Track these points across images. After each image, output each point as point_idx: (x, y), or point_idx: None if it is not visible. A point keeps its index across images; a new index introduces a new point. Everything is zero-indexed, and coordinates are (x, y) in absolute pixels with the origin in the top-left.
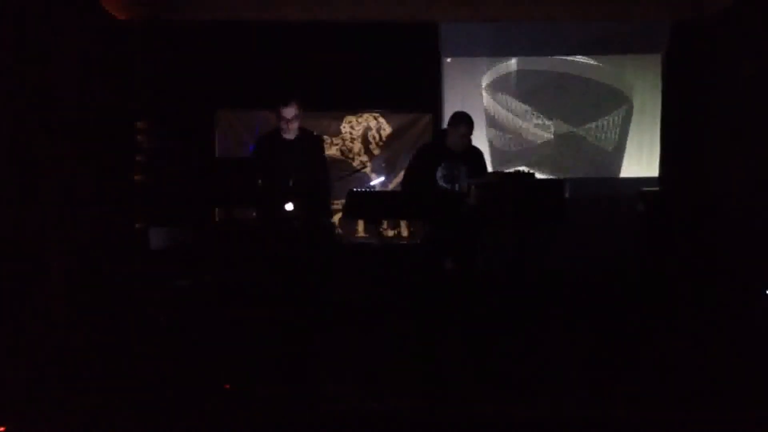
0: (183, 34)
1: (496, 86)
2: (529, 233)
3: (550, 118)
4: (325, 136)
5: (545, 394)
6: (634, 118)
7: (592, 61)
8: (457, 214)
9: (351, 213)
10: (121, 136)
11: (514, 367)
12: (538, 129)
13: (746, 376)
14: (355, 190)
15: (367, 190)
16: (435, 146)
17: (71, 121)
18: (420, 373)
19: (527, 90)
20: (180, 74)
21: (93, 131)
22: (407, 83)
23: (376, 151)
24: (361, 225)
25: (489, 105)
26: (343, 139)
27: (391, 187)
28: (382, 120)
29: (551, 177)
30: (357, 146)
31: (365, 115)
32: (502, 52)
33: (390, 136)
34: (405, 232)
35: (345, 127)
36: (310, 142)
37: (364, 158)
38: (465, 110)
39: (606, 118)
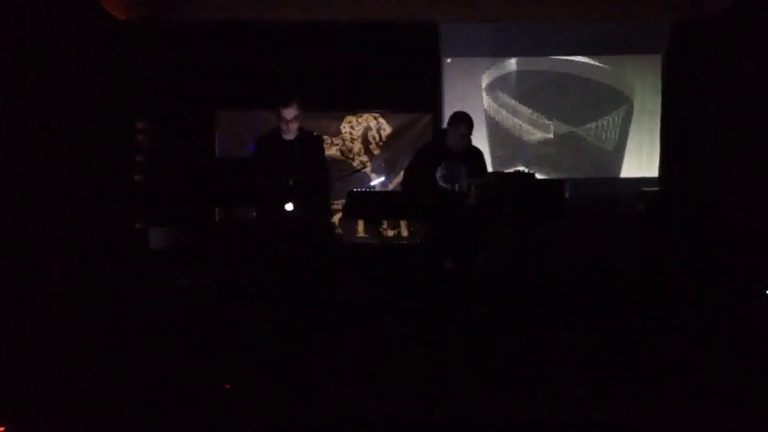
0: (183, 34)
1: (496, 86)
2: (529, 233)
3: (550, 119)
4: (325, 136)
5: (545, 394)
6: (634, 118)
7: (592, 61)
8: (457, 214)
9: (351, 213)
10: (121, 136)
11: (514, 367)
12: (538, 129)
13: (746, 376)
14: (355, 190)
15: (367, 190)
16: (435, 146)
17: (71, 121)
18: (420, 373)
19: (527, 90)
20: (180, 74)
21: (93, 131)
22: (407, 83)
23: (376, 151)
24: (361, 225)
25: (489, 105)
26: (343, 139)
27: (391, 187)
28: (382, 120)
29: (551, 177)
30: (357, 146)
31: (365, 115)
32: (502, 52)
33: (390, 136)
34: (405, 232)
35: (345, 127)
36: (310, 143)
37: (364, 158)
38: (465, 110)
39: (606, 118)
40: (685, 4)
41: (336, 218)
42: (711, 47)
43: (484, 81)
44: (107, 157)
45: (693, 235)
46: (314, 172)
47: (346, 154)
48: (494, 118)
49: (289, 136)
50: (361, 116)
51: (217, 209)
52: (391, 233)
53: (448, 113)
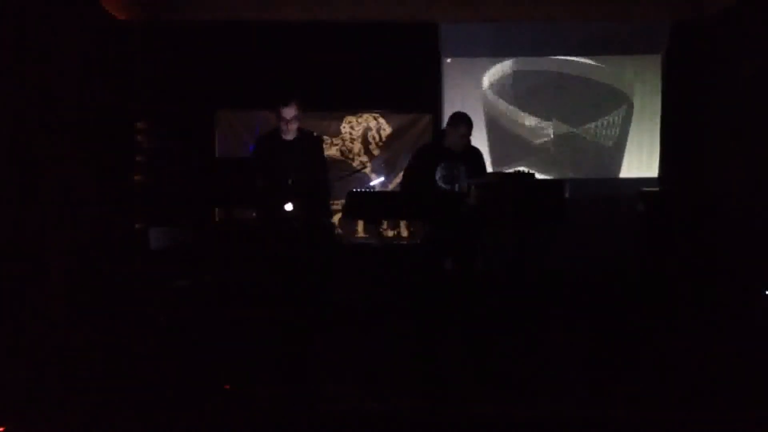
0: (183, 34)
1: (496, 86)
2: (529, 233)
3: (549, 119)
4: (325, 137)
5: (545, 394)
6: (634, 118)
7: (591, 61)
8: (456, 215)
9: (351, 213)
10: (121, 136)
11: (514, 367)
12: (538, 129)
13: (746, 376)
14: (354, 190)
15: (367, 190)
16: (434, 146)
17: (71, 121)
18: (420, 373)
19: (527, 90)
20: (180, 74)
21: (93, 131)
22: (407, 83)
23: (376, 152)
24: (361, 225)
25: (489, 105)
26: (343, 140)
27: (391, 187)
28: (382, 120)
29: (551, 177)
30: (357, 146)
31: (365, 116)
32: (502, 52)
33: (390, 137)
34: (405, 232)
35: (345, 128)
36: (310, 143)
37: (364, 158)
38: (465, 110)
39: (606, 118)
40: (685, 4)
41: (336, 218)
42: (711, 47)
43: (485, 81)
44: (107, 157)
45: (693, 235)
46: (314, 172)
47: (346, 154)
48: (494, 118)
49: (289, 136)
50: (361, 116)
51: (217, 209)
52: (391, 233)
53: (448, 113)
